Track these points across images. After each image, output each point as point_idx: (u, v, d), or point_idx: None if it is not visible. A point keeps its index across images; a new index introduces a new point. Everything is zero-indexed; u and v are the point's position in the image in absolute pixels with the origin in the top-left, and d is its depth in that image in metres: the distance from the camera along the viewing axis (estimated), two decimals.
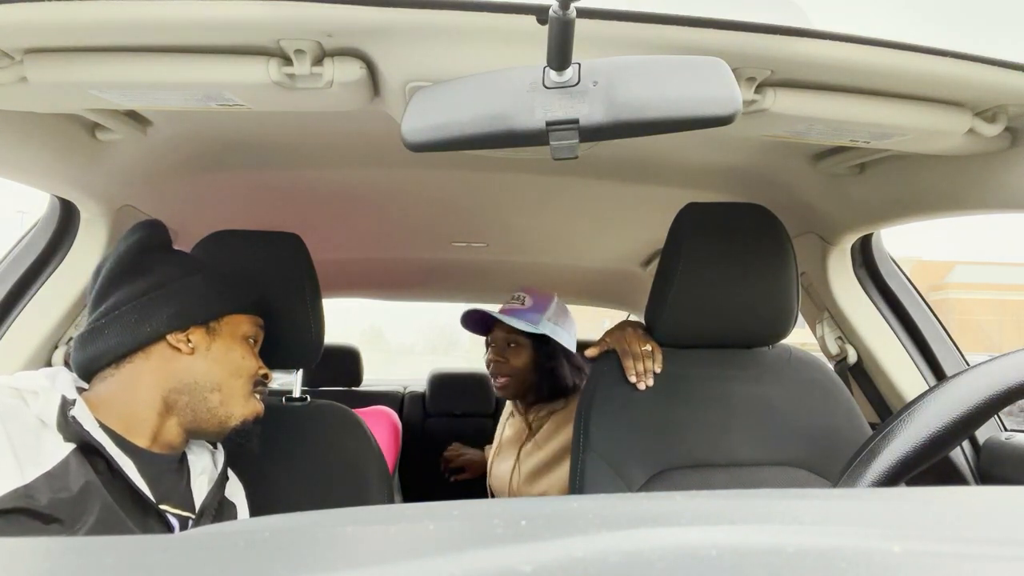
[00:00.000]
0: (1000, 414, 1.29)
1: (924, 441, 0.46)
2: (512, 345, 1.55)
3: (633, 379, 1.07)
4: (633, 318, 2.62)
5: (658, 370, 1.09)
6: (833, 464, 1.04)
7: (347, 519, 0.28)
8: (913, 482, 0.45)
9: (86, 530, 0.69)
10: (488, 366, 1.60)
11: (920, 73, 0.75)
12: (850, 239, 1.34)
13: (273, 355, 0.99)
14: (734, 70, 0.59)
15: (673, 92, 0.53)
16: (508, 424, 1.68)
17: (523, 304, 1.54)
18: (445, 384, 2.68)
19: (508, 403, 1.73)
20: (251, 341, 0.91)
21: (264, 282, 1.01)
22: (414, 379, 2.96)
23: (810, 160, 1.20)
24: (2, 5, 0.62)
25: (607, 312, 2.85)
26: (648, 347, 1.10)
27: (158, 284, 0.84)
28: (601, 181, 1.38)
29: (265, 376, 0.91)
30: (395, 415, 1.93)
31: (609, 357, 1.12)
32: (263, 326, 0.95)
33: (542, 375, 1.53)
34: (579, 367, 1.58)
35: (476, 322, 1.63)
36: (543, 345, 1.53)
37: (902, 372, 1.34)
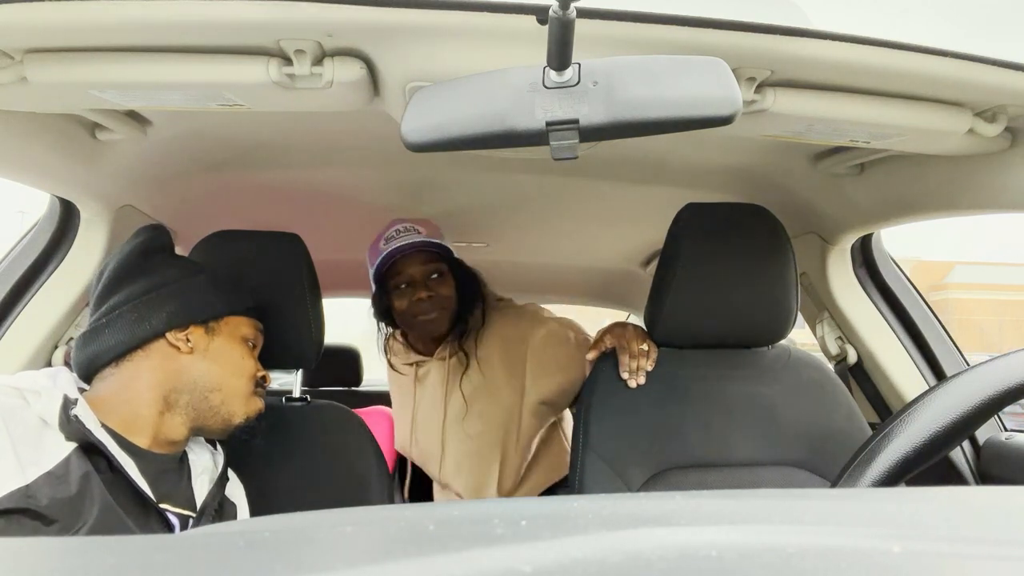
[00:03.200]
0: (1000, 414, 1.29)
1: (924, 441, 0.46)
2: (435, 276, 1.40)
3: (625, 375, 1.07)
4: (633, 318, 2.62)
5: (650, 368, 1.09)
6: (833, 464, 1.04)
7: (347, 519, 0.28)
8: (913, 482, 0.45)
9: (87, 529, 0.69)
10: (410, 314, 1.40)
11: (920, 73, 0.75)
12: (850, 239, 1.34)
13: (273, 355, 0.99)
14: (734, 70, 0.59)
15: (673, 92, 0.53)
16: (418, 390, 1.54)
17: (421, 233, 1.39)
18: None
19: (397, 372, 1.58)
20: (250, 344, 0.91)
21: (264, 282, 1.01)
22: None
23: (810, 160, 1.20)
24: (2, 5, 0.62)
25: (607, 312, 2.85)
26: (644, 346, 1.10)
27: (159, 284, 0.84)
28: (601, 181, 1.38)
29: (263, 379, 0.91)
30: None
31: (608, 358, 1.12)
32: (262, 331, 0.95)
33: (469, 294, 1.45)
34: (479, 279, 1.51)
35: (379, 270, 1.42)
36: (458, 267, 1.44)
37: (902, 372, 1.34)
